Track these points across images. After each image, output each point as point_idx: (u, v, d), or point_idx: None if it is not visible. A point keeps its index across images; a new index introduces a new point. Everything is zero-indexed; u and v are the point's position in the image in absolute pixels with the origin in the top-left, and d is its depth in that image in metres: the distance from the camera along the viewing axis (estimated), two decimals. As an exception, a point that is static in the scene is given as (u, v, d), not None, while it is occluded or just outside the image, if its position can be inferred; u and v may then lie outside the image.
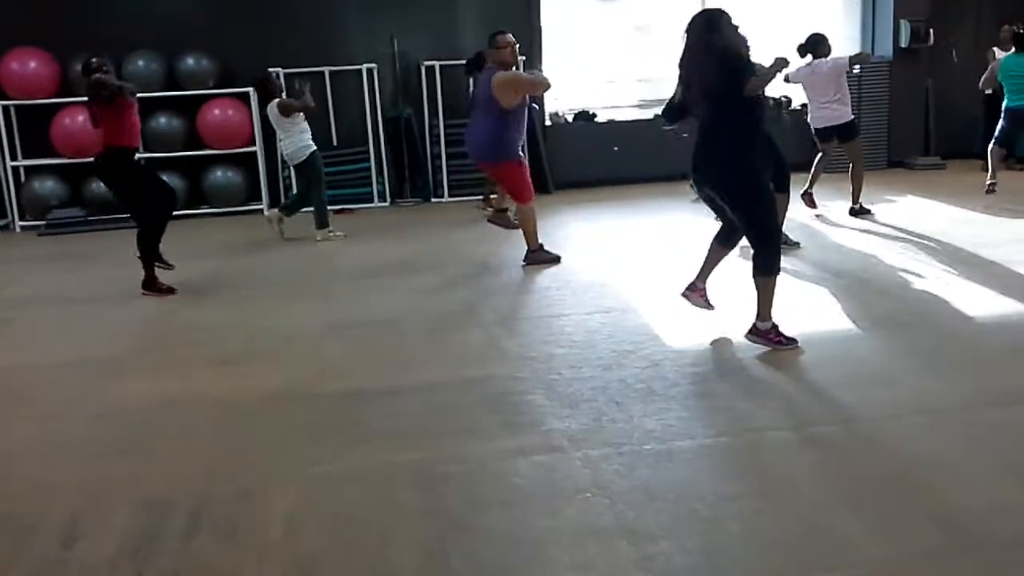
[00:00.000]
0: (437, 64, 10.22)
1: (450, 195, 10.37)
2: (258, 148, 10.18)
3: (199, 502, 3.16)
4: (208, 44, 9.93)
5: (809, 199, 8.28)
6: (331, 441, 3.70)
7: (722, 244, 4.95)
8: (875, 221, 7.87)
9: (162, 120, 9.91)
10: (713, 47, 4.39)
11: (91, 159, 7.92)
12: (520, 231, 6.81)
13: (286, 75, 10.12)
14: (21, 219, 10.01)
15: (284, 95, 8.15)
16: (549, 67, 10.96)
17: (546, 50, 10.89)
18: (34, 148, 9.94)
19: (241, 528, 2.99)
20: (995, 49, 10.26)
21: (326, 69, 10.25)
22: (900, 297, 5.43)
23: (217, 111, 9.98)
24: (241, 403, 4.18)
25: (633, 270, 6.53)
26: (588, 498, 3.08)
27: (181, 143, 9.93)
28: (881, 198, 9.05)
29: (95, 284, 6.89)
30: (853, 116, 8.11)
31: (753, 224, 4.51)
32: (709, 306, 5.05)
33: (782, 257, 4.62)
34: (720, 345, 4.66)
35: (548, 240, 7.46)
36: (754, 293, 4.58)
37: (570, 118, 11.15)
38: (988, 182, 8.18)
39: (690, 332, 4.91)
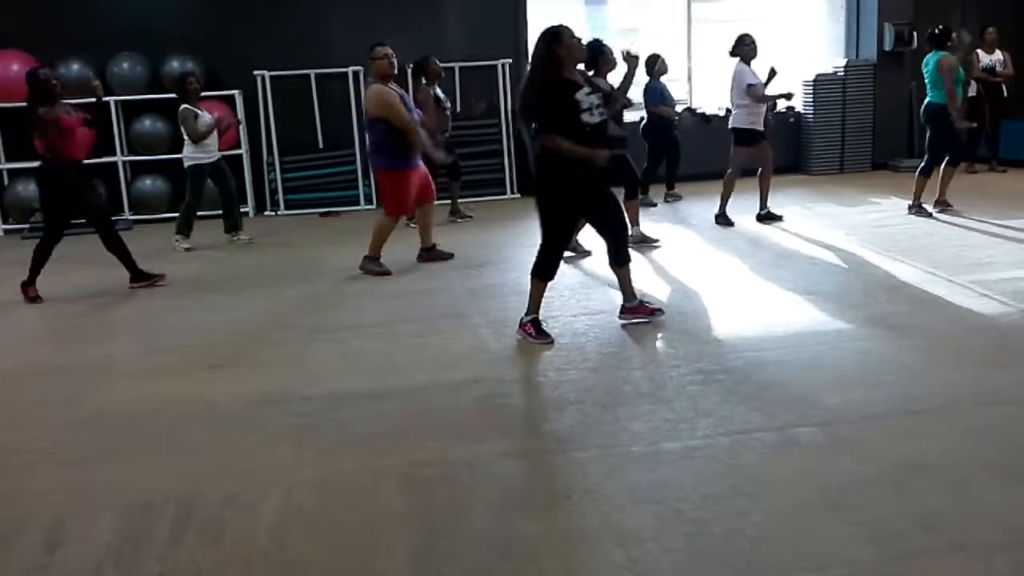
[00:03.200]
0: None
1: (437, 198, 10.34)
2: (243, 151, 10.15)
3: (185, 506, 3.15)
4: (193, 47, 9.89)
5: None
6: (317, 445, 3.70)
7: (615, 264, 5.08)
8: (858, 223, 7.90)
9: (147, 123, 9.88)
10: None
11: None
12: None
13: (271, 77, 10.11)
14: (4, 222, 9.95)
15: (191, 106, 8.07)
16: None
17: (532, 53, 10.90)
18: (18, 151, 9.87)
19: (227, 533, 2.99)
20: (979, 52, 10.34)
21: (312, 72, 10.23)
22: (884, 299, 5.46)
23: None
24: (227, 407, 4.17)
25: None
26: (575, 500, 3.09)
27: (165, 146, 9.89)
28: (865, 200, 9.12)
29: (80, 287, 6.85)
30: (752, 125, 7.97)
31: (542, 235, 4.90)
32: (658, 312, 5.16)
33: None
34: (706, 347, 4.68)
35: (535, 242, 7.47)
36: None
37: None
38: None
39: (676, 334, 4.93)
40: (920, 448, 3.39)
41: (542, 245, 4.92)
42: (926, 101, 8.12)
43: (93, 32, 9.71)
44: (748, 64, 7.87)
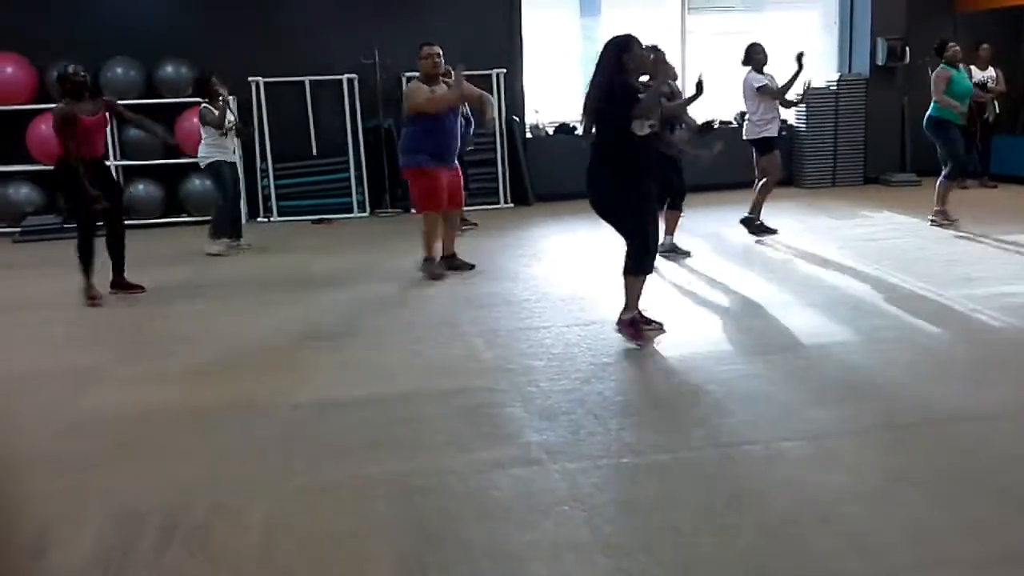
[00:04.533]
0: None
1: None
2: (237, 157, 10.12)
3: (173, 515, 3.14)
4: (187, 52, 9.89)
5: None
6: (306, 453, 3.68)
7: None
8: (849, 236, 7.93)
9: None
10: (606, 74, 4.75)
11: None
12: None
13: (265, 84, 10.12)
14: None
15: (220, 102, 8.04)
16: (530, 79, 11.03)
17: (527, 63, 10.94)
18: (9, 154, 9.85)
19: (215, 541, 2.97)
20: (972, 68, 10.40)
21: (306, 79, 10.23)
22: (873, 312, 5.47)
23: (196, 119, 9.90)
24: (216, 414, 4.15)
25: (612, 283, 6.53)
26: (565, 511, 3.08)
27: (158, 151, 9.87)
28: (857, 214, 9.15)
29: (70, 292, 6.80)
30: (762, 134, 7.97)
31: (629, 235, 4.96)
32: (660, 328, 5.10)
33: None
34: (697, 359, 4.69)
35: (528, 251, 7.49)
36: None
37: (550, 131, 11.19)
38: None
39: (668, 346, 4.93)
40: (908, 462, 3.39)
41: (632, 243, 4.94)
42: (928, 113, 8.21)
43: (88, 36, 9.70)
44: (760, 72, 7.87)
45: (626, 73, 4.70)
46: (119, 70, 9.69)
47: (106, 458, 3.71)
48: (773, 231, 7.93)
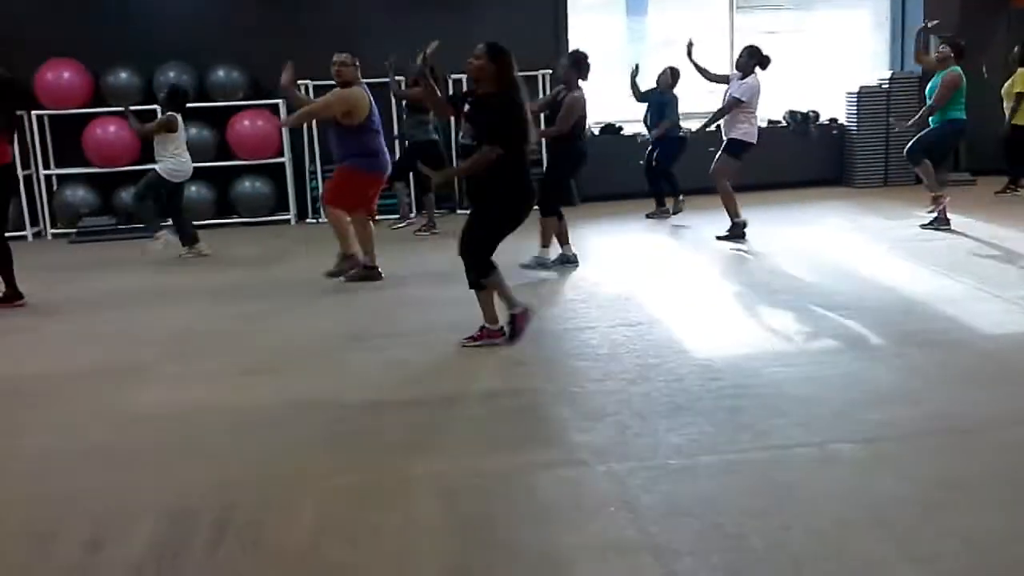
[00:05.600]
0: (464, 77, 10.25)
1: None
2: (286, 159, 10.27)
3: (224, 511, 3.18)
4: (238, 56, 10.03)
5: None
6: (353, 452, 3.71)
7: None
8: (902, 237, 7.77)
9: (192, 131, 10.01)
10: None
11: (122, 168, 8.07)
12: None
13: (315, 87, 10.22)
14: (52, 227, 10.15)
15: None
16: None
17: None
18: (66, 157, 10.09)
19: (265, 538, 3.01)
20: None
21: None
22: (925, 315, 5.37)
23: (247, 122, 10.08)
24: (264, 413, 4.20)
25: (658, 283, 6.51)
26: (612, 513, 3.07)
27: (211, 154, 10.04)
28: (911, 214, 8.97)
29: (123, 292, 6.96)
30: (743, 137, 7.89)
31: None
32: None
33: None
34: (745, 360, 4.64)
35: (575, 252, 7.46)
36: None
37: (596, 131, 11.16)
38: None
39: (715, 346, 4.89)
40: (963, 467, 3.32)
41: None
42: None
43: (142, 41, 9.89)
44: (747, 77, 7.74)
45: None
46: (172, 74, 9.87)
47: (158, 455, 3.77)
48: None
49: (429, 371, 4.73)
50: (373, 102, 6.82)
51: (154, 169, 8.08)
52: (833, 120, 11.36)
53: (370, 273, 6.85)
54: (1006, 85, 9.79)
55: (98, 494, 3.40)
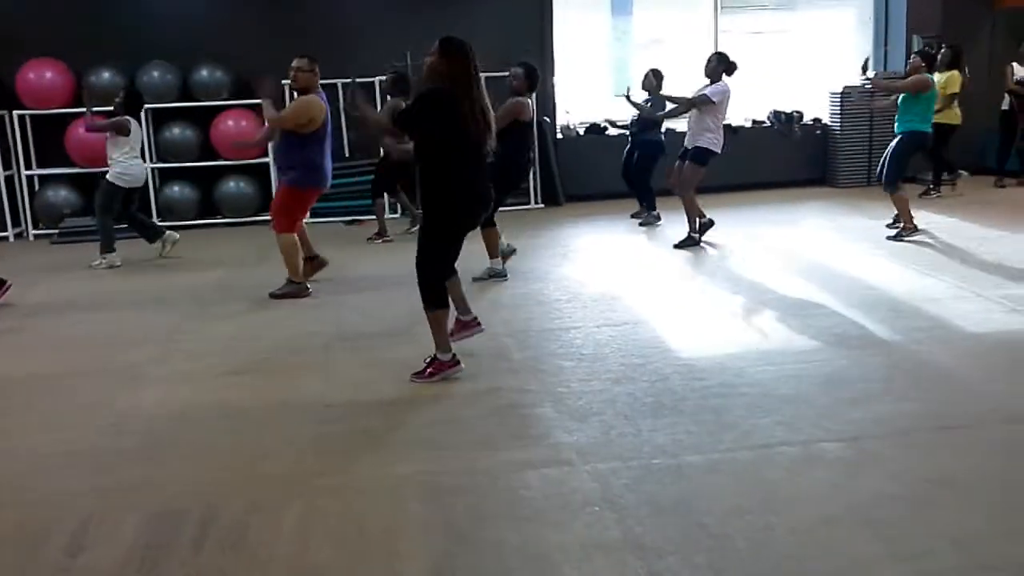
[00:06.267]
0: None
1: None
2: (270, 159, 10.22)
3: (208, 512, 3.17)
4: (223, 55, 9.99)
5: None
6: (339, 452, 3.71)
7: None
8: (883, 237, 7.82)
9: (175, 131, 9.98)
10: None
11: (104, 169, 8.00)
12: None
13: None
14: (34, 227, 10.07)
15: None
16: (561, 80, 11.01)
17: (558, 63, 10.92)
18: (48, 157, 10.01)
19: (250, 539, 3.00)
20: (1014, 64, 10.25)
21: (339, 81, 10.28)
22: (909, 312, 5.40)
23: (231, 122, 10.03)
24: (250, 413, 4.19)
25: (643, 284, 6.52)
26: (596, 512, 3.07)
27: (194, 154, 9.99)
28: (890, 213, 9.02)
29: (106, 293, 6.92)
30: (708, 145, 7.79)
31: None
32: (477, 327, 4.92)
33: None
34: (729, 359, 4.65)
35: (559, 252, 7.48)
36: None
37: (581, 131, 11.17)
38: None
39: (699, 346, 4.90)
40: (948, 465, 3.34)
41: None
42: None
43: (125, 40, 9.83)
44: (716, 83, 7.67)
45: None
46: (155, 74, 9.82)
47: (143, 456, 3.75)
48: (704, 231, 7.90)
49: (414, 370, 4.70)
50: (328, 111, 6.64)
51: (105, 178, 7.95)
52: (817, 120, 11.41)
53: (299, 288, 6.56)
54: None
55: (83, 495, 3.38)
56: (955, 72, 9.51)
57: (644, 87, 9.08)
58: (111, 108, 8.10)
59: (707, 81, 7.69)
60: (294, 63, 6.61)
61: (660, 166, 8.94)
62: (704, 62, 7.79)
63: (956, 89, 9.51)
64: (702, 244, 7.70)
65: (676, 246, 7.76)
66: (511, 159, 6.50)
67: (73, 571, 2.86)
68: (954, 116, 9.58)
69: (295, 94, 6.74)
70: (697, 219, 7.83)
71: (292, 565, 2.84)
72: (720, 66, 7.66)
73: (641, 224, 9.21)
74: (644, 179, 9.21)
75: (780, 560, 2.72)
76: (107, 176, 7.93)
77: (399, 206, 9.71)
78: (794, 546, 2.80)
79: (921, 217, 8.59)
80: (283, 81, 10.01)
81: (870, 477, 3.26)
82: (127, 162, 7.87)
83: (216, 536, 3.01)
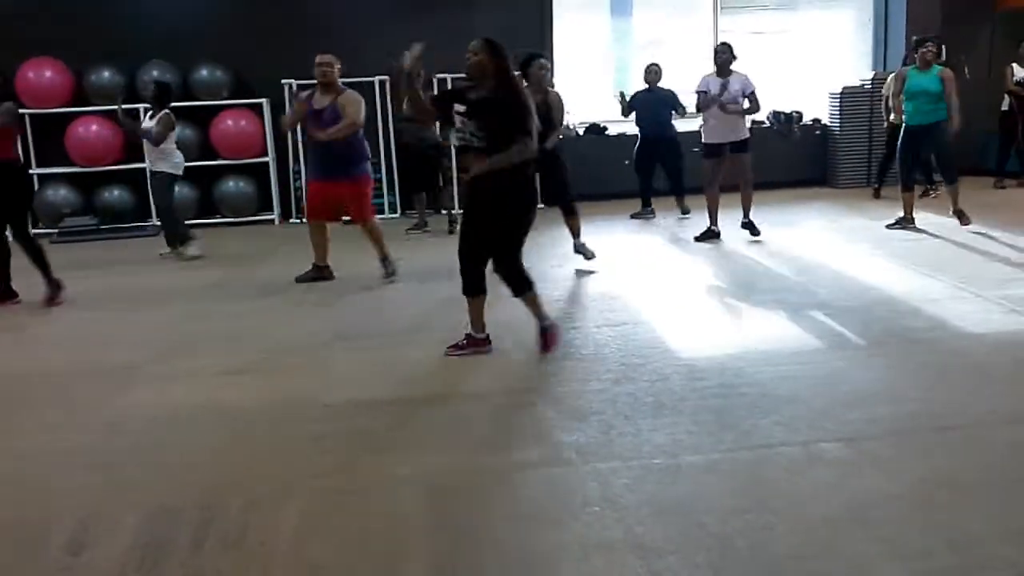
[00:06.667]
0: (449, 77, 10.25)
1: (460, 206, 10.36)
2: (270, 159, 10.24)
3: (207, 512, 3.17)
4: (222, 55, 9.99)
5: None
6: (338, 452, 3.70)
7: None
8: (884, 237, 7.82)
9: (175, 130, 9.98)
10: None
11: (105, 168, 7.99)
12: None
13: (298, 86, 10.19)
14: (34, 227, 10.03)
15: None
16: (561, 81, 11.00)
17: (558, 64, 10.92)
18: (48, 156, 10.01)
19: (249, 538, 3.00)
20: (1014, 65, 10.25)
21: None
22: (909, 313, 5.40)
23: (230, 121, 10.04)
24: (249, 413, 4.19)
25: (642, 283, 6.52)
26: (597, 512, 3.07)
27: (194, 153, 10.00)
28: (892, 214, 9.02)
29: (106, 293, 6.92)
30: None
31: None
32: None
33: None
34: (729, 360, 4.65)
35: (558, 252, 7.48)
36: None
37: (581, 132, 11.17)
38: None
39: (699, 346, 4.90)
40: (946, 465, 3.35)
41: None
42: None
43: (124, 40, 9.84)
44: (721, 75, 7.75)
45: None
46: (155, 73, 9.82)
47: (142, 455, 3.75)
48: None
49: (414, 371, 4.72)
50: None
51: (155, 174, 8.07)
52: (816, 121, 11.42)
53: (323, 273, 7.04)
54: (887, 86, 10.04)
55: (82, 494, 3.38)
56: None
57: (649, 80, 9.17)
58: (112, 108, 8.12)
59: (719, 76, 7.76)
60: (325, 59, 6.79)
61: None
62: (717, 52, 7.85)
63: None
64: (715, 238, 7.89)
65: (697, 239, 7.99)
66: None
67: (74, 569, 2.86)
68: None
69: (319, 88, 6.86)
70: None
71: (291, 564, 2.84)
72: (732, 56, 7.77)
73: (633, 216, 9.31)
74: (680, 176, 9.30)
75: (779, 560, 2.72)
76: (157, 171, 8.04)
77: (419, 204, 9.73)
78: (793, 546, 2.80)
79: (921, 218, 8.61)
80: (284, 80, 10.06)
81: (869, 477, 3.26)
82: (174, 149, 8.03)
83: (216, 535, 3.01)
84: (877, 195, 10.18)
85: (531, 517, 3.07)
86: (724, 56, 7.78)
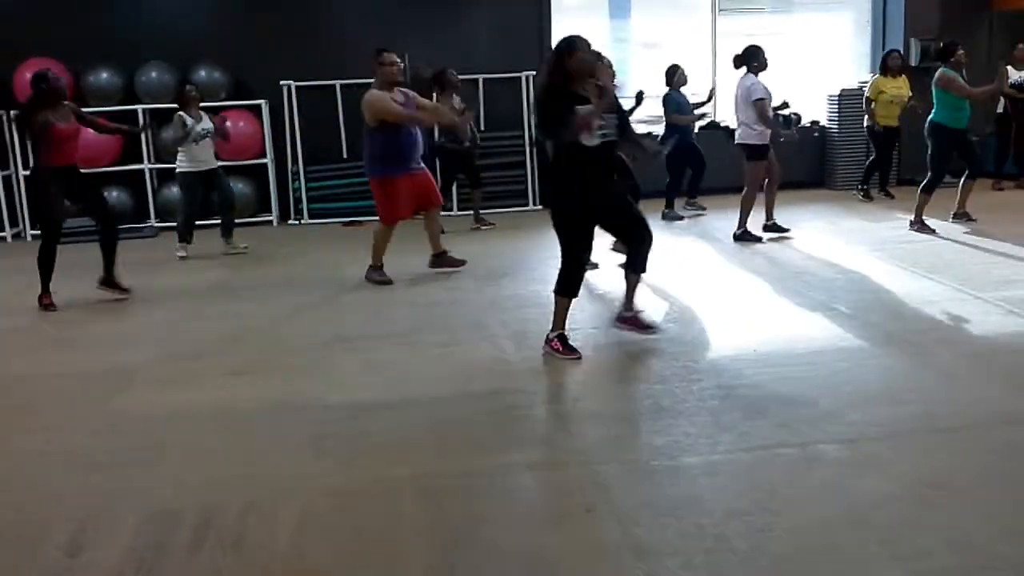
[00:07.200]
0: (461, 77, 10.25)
1: (458, 208, 10.37)
2: (269, 159, 10.23)
3: (206, 513, 3.17)
4: (221, 56, 9.98)
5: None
6: (337, 453, 3.70)
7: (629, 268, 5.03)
8: (884, 239, 7.83)
9: (173, 131, 9.96)
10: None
11: (103, 169, 8.01)
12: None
13: (297, 88, 10.19)
14: (32, 228, 10.05)
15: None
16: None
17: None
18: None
19: (247, 540, 3.00)
20: (1008, 67, 10.26)
21: (336, 82, 10.29)
22: (908, 315, 5.41)
23: (228, 122, 10.00)
24: (248, 414, 4.19)
25: (641, 285, 6.50)
26: (595, 513, 3.07)
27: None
28: (891, 216, 9.04)
29: (104, 294, 6.90)
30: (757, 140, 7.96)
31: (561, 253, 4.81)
32: (647, 329, 5.03)
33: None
34: (728, 361, 4.65)
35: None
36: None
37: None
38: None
39: (698, 348, 4.91)
40: (946, 467, 3.35)
41: (562, 261, 4.83)
42: (928, 118, 8.12)
43: (123, 41, 9.83)
44: (757, 76, 7.84)
45: (568, 77, 4.50)
46: (154, 74, 9.81)
47: (141, 457, 3.75)
48: (759, 239, 7.99)
49: (413, 373, 4.72)
50: None
51: (179, 171, 8.19)
52: (814, 123, 11.42)
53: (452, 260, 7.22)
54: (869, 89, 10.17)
55: (81, 495, 3.38)
56: (903, 77, 9.96)
57: (675, 82, 9.27)
58: (111, 109, 8.12)
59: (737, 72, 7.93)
60: (390, 58, 6.72)
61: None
62: (741, 54, 7.93)
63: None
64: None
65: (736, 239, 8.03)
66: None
67: (73, 571, 2.85)
68: (893, 119, 9.96)
69: (388, 87, 6.72)
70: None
71: (290, 566, 2.84)
72: (743, 60, 7.93)
73: (664, 217, 9.40)
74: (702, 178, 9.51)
75: (778, 561, 2.72)
76: (177, 169, 8.17)
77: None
78: (792, 547, 2.80)
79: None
80: (283, 82, 10.07)
81: (868, 479, 3.26)
82: (187, 148, 8.10)
83: (214, 537, 3.01)
84: (868, 197, 10.19)
85: (530, 519, 3.07)
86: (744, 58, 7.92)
